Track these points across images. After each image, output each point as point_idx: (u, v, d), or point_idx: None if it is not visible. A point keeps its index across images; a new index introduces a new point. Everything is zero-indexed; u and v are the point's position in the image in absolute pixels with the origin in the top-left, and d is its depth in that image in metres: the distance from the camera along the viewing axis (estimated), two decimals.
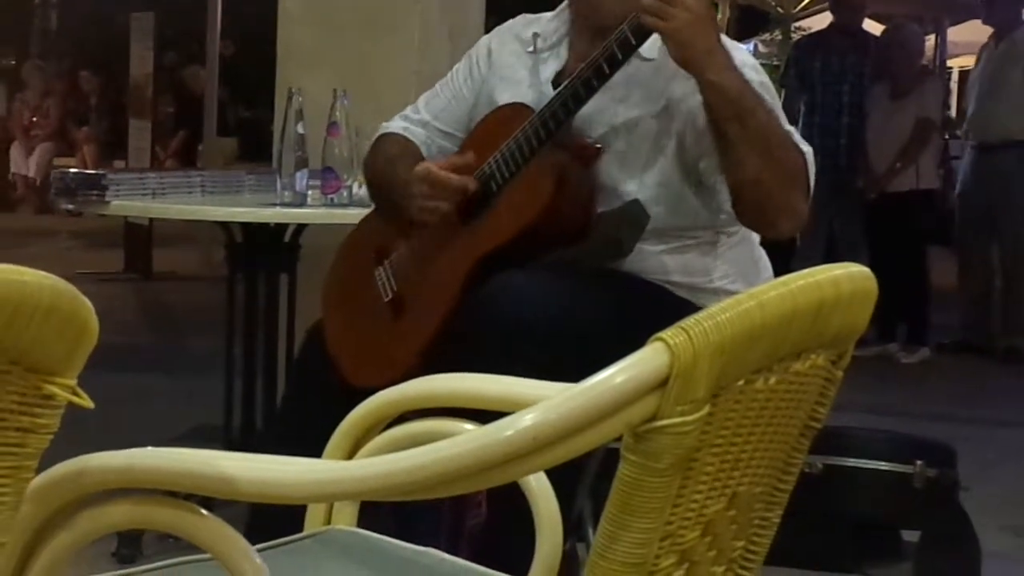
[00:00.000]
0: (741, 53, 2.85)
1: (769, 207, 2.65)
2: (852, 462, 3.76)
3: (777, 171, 2.60)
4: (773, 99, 2.77)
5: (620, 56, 2.65)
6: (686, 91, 2.68)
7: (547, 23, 2.97)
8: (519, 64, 2.97)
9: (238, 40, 12.27)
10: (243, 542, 1.46)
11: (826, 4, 13.77)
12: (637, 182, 2.80)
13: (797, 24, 13.04)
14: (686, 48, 2.54)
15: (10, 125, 14.75)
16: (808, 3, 13.41)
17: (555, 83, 2.87)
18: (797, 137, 2.71)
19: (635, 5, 2.57)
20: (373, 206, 3.12)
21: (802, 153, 2.67)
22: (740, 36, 13.73)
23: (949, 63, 20.85)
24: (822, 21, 13.86)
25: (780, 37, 12.26)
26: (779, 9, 13.57)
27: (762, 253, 2.91)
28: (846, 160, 7.41)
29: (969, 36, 20.43)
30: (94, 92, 15.08)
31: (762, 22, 15.12)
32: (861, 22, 8.04)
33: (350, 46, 4.21)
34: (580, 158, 2.80)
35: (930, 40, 19.43)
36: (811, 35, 9.01)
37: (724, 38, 2.80)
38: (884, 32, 8.35)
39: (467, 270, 2.78)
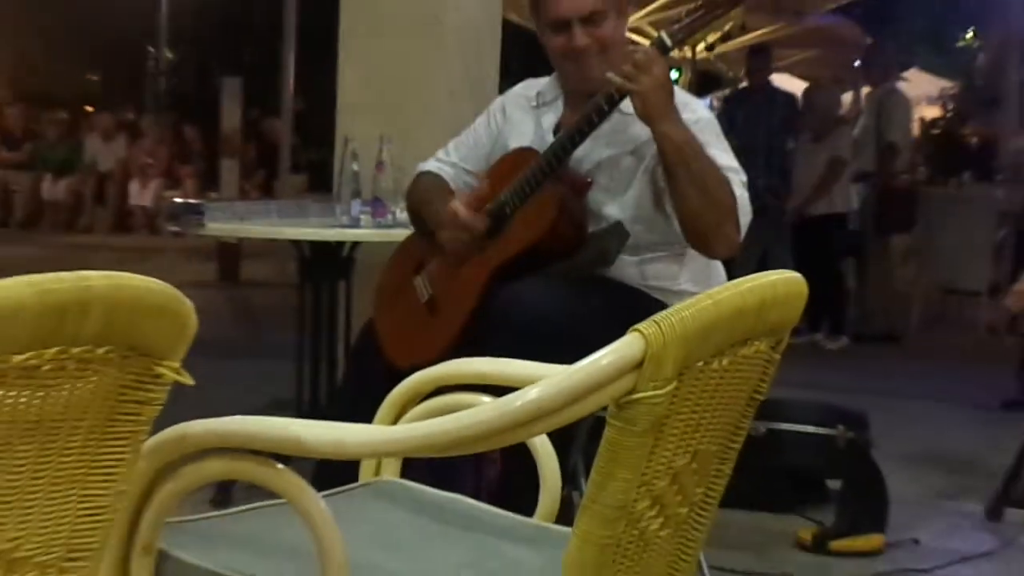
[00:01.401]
0: (698, 104, 2.85)
1: (707, 234, 2.65)
2: (788, 427, 3.75)
3: (713, 206, 2.61)
4: (718, 137, 2.76)
5: (605, 110, 2.66)
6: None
7: (546, 85, 2.98)
8: (526, 118, 2.97)
9: (306, 98, 12.28)
10: (311, 490, 1.46)
11: (732, 44, 13.75)
12: (618, 207, 2.80)
13: (743, 84, 13.03)
14: (646, 105, 2.57)
15: (130, 166, 14.75)
16: (717, 42, 13.40)
17: (554, 132, 2.88)
18: (737, 181, 2.68)
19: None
20: (413, 228, 3.13)
21: (734, 195, 2.65)
22: (698, 93, 13.68)
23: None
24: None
25: (730, 94, 12.29)
26: (729, 73, 13.57)
27: (717, 262, 2.91)
28: (767, 190, 7.42)
29: None
30: (194, 140, 15.10)
31: (716, 83, 15.11)
32: (767, 83, 8.07)
33: (393, 103, 4.21)
34: (574, 189, 2.80)
35: (849, 95, 19.44)
36: (733, 92, 9.02)
37: (684, 92, 2.82)
38: (804, 92, 8.43)
39: (487, 277, 2.77)
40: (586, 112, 2.68)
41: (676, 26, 2.66)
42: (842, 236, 7.80)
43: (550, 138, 2.85)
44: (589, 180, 2.81)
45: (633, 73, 2.54)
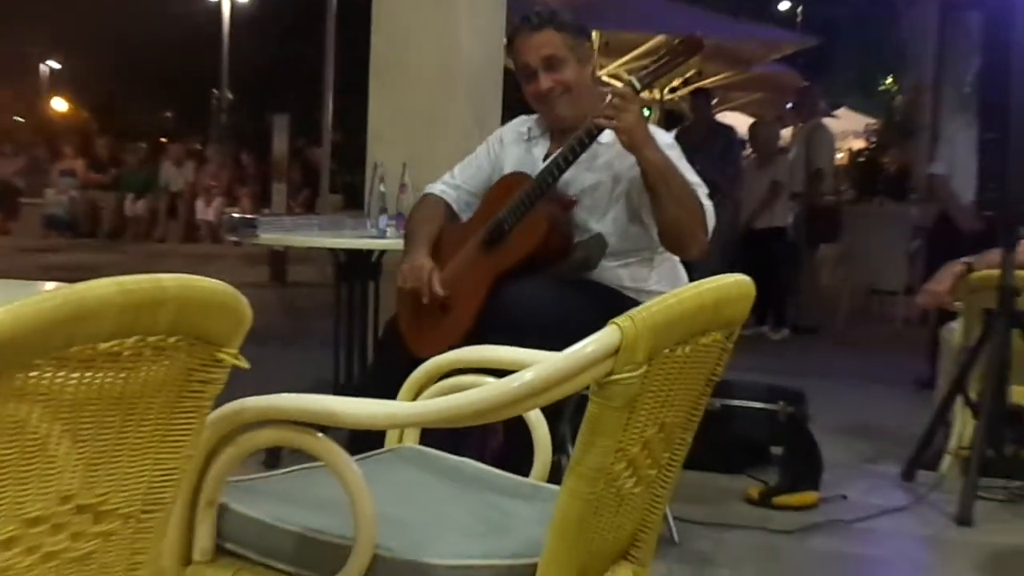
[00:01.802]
0: (662, 133, 2.85)
1: (683, 238, 2.67)
2: (739, 403, 3.76)
3: (688, 216, 2.63)
4: (681, 158, 2.76)
5: (586, 143, 2.67)
6: (630, 163, 2.69)
7: (534, 121, 3.00)
8: (520, 148, 2.98)
9: (343, 131, 12.28)
10: (345, 455, 1.46)
11: (725, 105, 13.70)
12: (598, 221, 2.80)
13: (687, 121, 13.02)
14: (631, 138, 2.58)
15: (197, 187, 14.75)
16: (712, 107, 13.34)
17: (544, 159, 2.88)
18: (701, 193, 2.70)
19: (588, 113, 2.66)
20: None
21: (703, 205, 2.67)
22: (666, 128, 13.65)
23: None
24: (720, 118, 13.78)
25: (678, 129, 12.30)
26: (690, 112, 13.55)
27: (681, 266, 2.91)
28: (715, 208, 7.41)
29: None
30: (250, 165, 15.10)
31: (679, 120, 15.09)
32: (711, 120, 8.15)
33: (413, 135, 4.21)
34: (562, 207, 2.80)
35: (788, 130, 19.41)
36: (680, 127, 9.04)
37: (653, 127, 2.81)
38: (749, 127, 8.52)
39: (490, 281, 2.77)
40: (570, 143, 2.69)
41: (644, 72, 2.67)
42: (781, 246, 7.80)
43: (540, 165, 2.85)
44: (574, 199, 2.81)
45: (614, 112, 2.56)
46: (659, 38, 8.31)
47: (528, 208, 2.76)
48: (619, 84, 2.86)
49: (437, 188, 3.07)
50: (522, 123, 3.03)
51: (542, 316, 2.56)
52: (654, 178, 2.60)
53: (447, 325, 2.82)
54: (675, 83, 10.87)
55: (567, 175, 2.76)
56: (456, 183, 3.05)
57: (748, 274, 1.55)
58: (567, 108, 2.80)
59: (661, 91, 10.43)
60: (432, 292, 2.77)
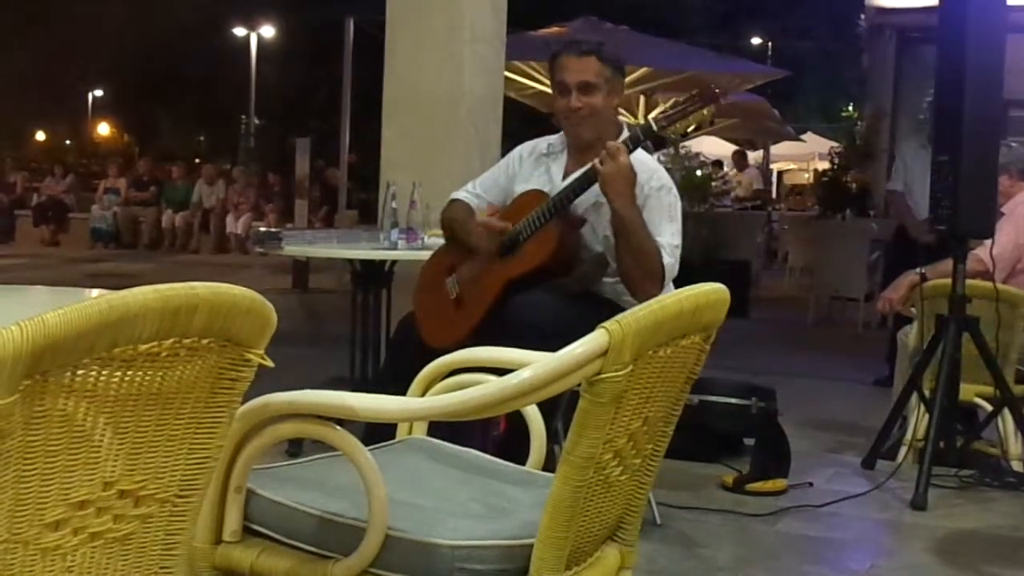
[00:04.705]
0: (663, 175, 2.81)
1: (632, 285, 2.70)
2: (715, 398, 3.75)
3: (640, 270, 2.66)
4: (670, 208, 2.75)
5: (594, 178, 2.67)
6: None
7: (555, 139, 2.99)
8: (535, 164, 2.98)
9: (358, 153, 12.28)
10: (361, 445, 1.46)
11: (704, 130, 13.68)
12: (600, 241, 2.80)
13: (684, 144, 12.98)
14: (605, 186, 2.62)
15: (227, 203, 14.73)
16: (692, 131, 13.31)
17: (564, 176, 2.89)
18: (667, 252, 2.68)
19: (604, 137, 2.69)
20: (444, 241, 3.12)
21: (662, 264, 2.67)
22: (650, 152, 13.64)
23: (772, 166, 20.89)
24: (699, 144, 13.75)
25: (672, 151, 12.27)
26: (672, 135, 13.54)
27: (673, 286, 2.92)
28: None
29: (784, 151, 20.45)
30: (275, 184, 15.06)
31: (662, 143, 15.08)
32: None
33: (422, 157, 4.21)
34: (572, 226, 2.81)
35: (760, 152, 19.46)
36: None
37: (654, 163, 2.86)
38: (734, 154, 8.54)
39: (501, 286, 2.79)
40: (585, 174, 2.70)
41: (662, 115, 2.71)
42: None
43: (559, 183, 2.86)
44: (584, 219, 2.81)
45: (604, 158, 2.58)
46: (643, 70, 8.31)
47: (541, 224, 2.76)
48: (632, 120, 2.89)
49: (461, 194, 3.09)
50: (542, 141, 3.02)
51: (546, 322, 2.56)
52: (618, 229, 2.65)
53: (458, 319, 2.83)
54: (659, 109, 10.89)
55: (579, 199, 2.76)
56: (477, 192, 3.07)
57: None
58: (588, 130, 2.81)
59: (645, 117, 10.44)
60: (499, 227, 2.80)
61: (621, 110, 9.48)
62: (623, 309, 2.73)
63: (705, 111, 2.64)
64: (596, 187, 2.73)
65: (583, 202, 2.79)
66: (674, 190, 2.82)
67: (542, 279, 2.75)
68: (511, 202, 2.95)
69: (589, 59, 2.81)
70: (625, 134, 2.74)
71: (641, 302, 2.73)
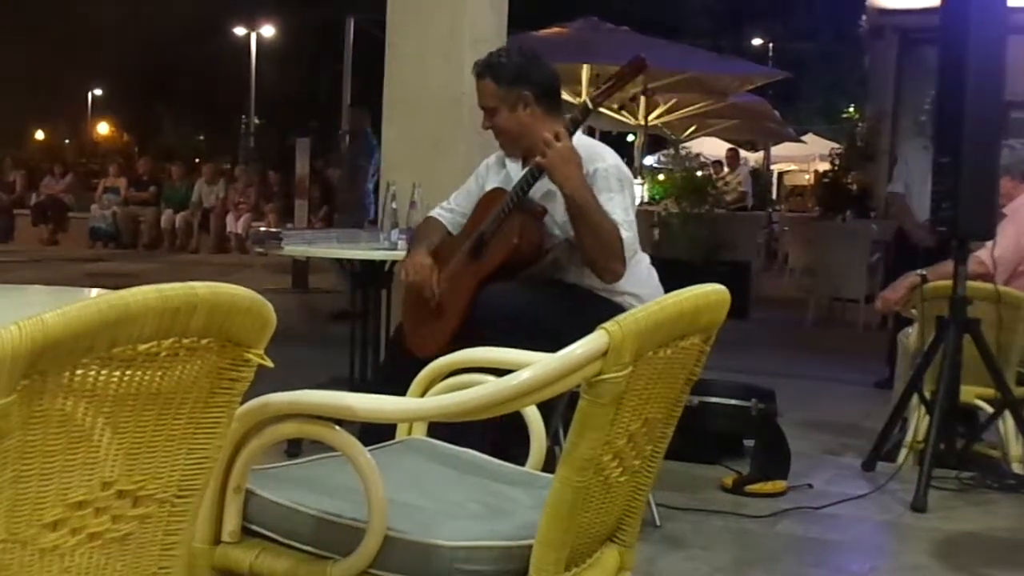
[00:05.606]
0: (607, 153, 2.84)
1: (595, 264, 2.72)
2: (715, 400, 3.75)
3: (601, 249, 2.68)
4: (620, 183, 2.76)
5: (537, 174, 2.74)
6: None
7: None
8: (500, 169, 3.06)
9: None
10: (360, 445, 1.46)
11: (704, 131, 13.69)
12: (562, 227, 2.82)
13: (684, 144, 12.95)
14: (551, 173, 2.67)
15: (227, 203, 14.72)
16: (691, 132, 13.34)
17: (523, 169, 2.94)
18: (625, 227, 2.69)
19: (528, 145, 2.78)
20: None
21: (620, 240, 2.67)
22: (650, 151, 13.66)
23: (772, 167, 20.90)
24: (699, 145, 13.76)
25: (673, 152, 12.21)
26: (672, 136, 13.53)
27: (652, 268, 2.92)
28: None
29: (784, 152, 20.45)
30: (275, 184, 15.05)
31: (663, 143, 15.07)
32: None
33: (422, 158, 4.21)
34: (533, 216, 2.85)
35: (761, 153, 19.46)
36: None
37: (598, 145, 2.91)
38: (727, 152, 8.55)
39: (474, 286, 2.82)
40: (530, 169, 2.77)
41: (596, 92, 2.77)
42: None
43: (516, 178, 2.90)
44: (544, 209, 2.84)
45: (542, 148, 2.64)
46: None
47: (506, 216, 2.82)
48: (577, 102, 2.94)
49: (435, 212, 3.17)
50: (499, 154, 3.09)
51: (511, 311, 2.62)
52: (572, 211, 2.68)
53: (439, 327, 2.87)
54: (659, 111, 10.87)
55: (535, 190, 2.81)
56: (451, 207, 3.14)
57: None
58: (508, 146, 2.94)
59: (645, 118, 10.42)
60: (431, 289, 2.86)
61: (613, 107, 9.42)
62: (599, 296, 2.80)
63: (634, 82, 2.74)
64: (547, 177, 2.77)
65: (537, 191, 2.82)
66: (621, 166, 2.83)
67: (512, 273, 2.79)
68: (477, 204, 3.01)
69: (483, 82, 2.90)
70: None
71: (607, 282, 2.81)
